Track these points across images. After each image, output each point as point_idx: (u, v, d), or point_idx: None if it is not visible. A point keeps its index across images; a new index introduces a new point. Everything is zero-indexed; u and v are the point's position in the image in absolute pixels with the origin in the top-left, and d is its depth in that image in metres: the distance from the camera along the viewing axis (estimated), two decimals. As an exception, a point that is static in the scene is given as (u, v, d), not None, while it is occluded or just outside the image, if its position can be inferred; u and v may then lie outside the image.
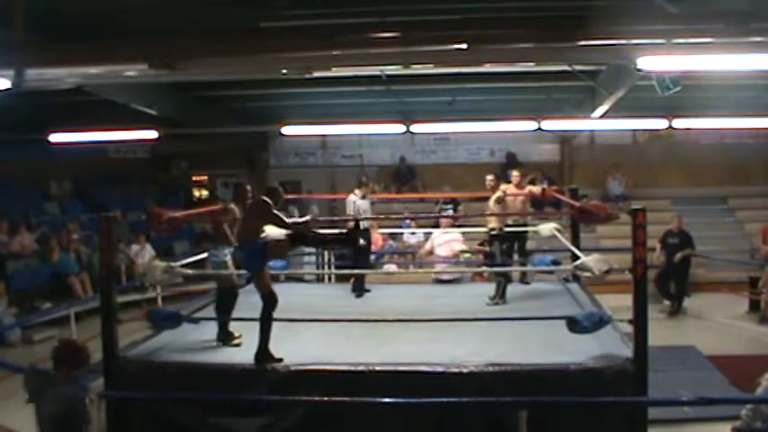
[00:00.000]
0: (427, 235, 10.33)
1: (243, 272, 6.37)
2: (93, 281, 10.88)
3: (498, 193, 7.61)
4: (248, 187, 6.32)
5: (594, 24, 5.94)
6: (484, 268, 8.71)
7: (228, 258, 6.19)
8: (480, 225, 8.77)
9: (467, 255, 10.98)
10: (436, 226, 10.51)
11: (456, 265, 9.74)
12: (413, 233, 11.99)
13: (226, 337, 5.98)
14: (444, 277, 9.26)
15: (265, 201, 5.58)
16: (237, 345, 5.92)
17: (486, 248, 7.95)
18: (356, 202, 8.20)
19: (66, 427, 3.87)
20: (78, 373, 3.99)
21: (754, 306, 10.23)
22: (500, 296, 7.47)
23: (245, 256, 5.52)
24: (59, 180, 14.36)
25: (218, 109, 13.29)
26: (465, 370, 5.09)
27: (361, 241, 8.22)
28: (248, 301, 6.33)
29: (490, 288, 7.72)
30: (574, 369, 5.07)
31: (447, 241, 9.53)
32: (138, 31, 7.22)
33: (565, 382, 5.04)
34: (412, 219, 12.11)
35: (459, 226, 12.10)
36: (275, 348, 5.35)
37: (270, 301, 5.39)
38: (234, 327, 6.10)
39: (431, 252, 9.70)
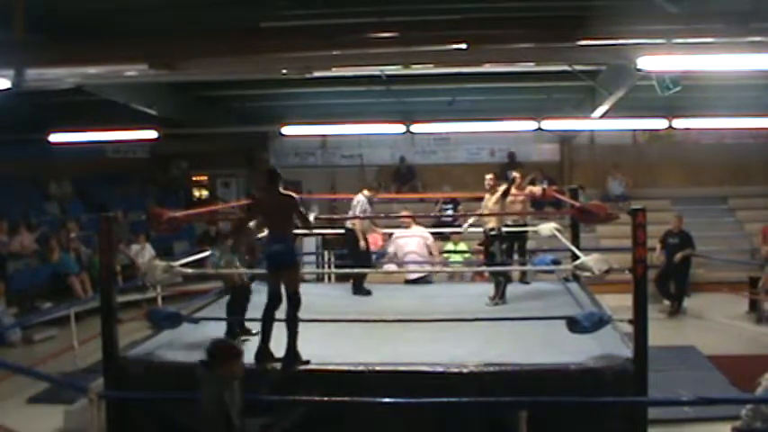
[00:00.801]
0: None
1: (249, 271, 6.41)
2: (93, 281, 10.87)
3: (498, 194, 7.60)
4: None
5: (594, 24, 5.94)
6: (484, 268, 8.69)
7: (236, 258, 6.18)
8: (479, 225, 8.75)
9: (460, 256, 10.98)
10: (436, 226, 10.48)
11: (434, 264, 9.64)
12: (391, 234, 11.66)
13: (234, 337, 5.96)
14: (411, 277, 9.14)
15: (293, 197, 5.52)
16: (245, 341, 5.91)
17: (487, 248, 7.90)
18: (365, 202, 8.21)
19: (207, 422, 3.83)
20: (227, 373, 3.90)
21: (755, 306, 10.23)
22: (500, 296, 7.47)
23: (280, 251, 5.40)
24: (59, 180, 14.37)
25: (218, 109, 13.30)
26: (465, 370, 5.09)
27: (362, 244, 8.26)
28: (260, 300, 6.35)
29: (490, 288, 7.72)
30: (574, 369, 5.07)
31: (409, 237, 9.32)
32: (138, 31, 7.22)
33: (565, 382, 5.04)
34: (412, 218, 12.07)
35: (458, 226, 12.14)
36: (275, 348, 5.35)
37: (297, 300, 5.32)
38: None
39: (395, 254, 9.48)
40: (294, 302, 5.31)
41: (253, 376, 5.20)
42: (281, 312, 5.41)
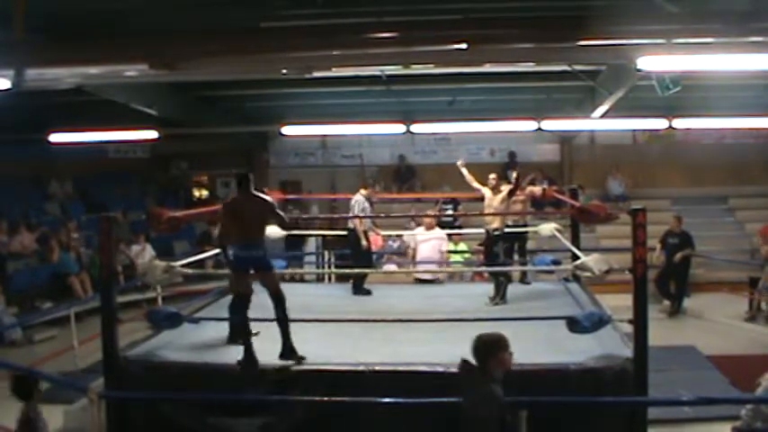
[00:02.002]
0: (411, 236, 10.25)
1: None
2: (93, 281, 10.87)
3: (504, 194, 7.61)
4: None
5: (594, 24, 5.93)
6: (484, 268, 8.71)
7: None
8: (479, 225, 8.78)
9: (460, 256, 11.00)
10: (439, 225, 10.49)
11: (442, 266, 9.74)
12: (399, 235, 11.76)
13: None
14: (425, 277, 9.28)
15: (268, 200, 5.58)
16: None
17: (487, 248, 7.91)
18: (364, 202, 8.22)
19: (479, 424, 3.69)
20: (499, 366, 3.78)
21: (753, 306, 10.22)
22: (501, 296, 7.46)
23: (259, 254, 5.46)
24: (60, 180, 14.37)
25: (218, 109, 13.29)
26: (465, 370, 5.08)
27: (364, 243, 8.26)
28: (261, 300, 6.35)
29: (490, 288, 7.71)
30: (574, 369, 5.07)
31: (429, 239, 9.48)
32: (138, 31, 7.21)
33: (565, 382, 5.04)
34: (414, 217, 12.08)
35: (458, 226, 12.16)
36: (275, 348, 5.35)
37: (282, 298, 5.39)
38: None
39: (414, 250, 9.70)
40: (280, 301, 5.38)
41: (253, 376, 5.22)
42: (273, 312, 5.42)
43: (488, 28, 6.28)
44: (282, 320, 5.34)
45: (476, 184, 7.98)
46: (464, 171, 8.07)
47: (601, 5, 6.41)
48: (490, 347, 3.80)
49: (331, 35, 6.34)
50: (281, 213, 5.71)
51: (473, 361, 3.81)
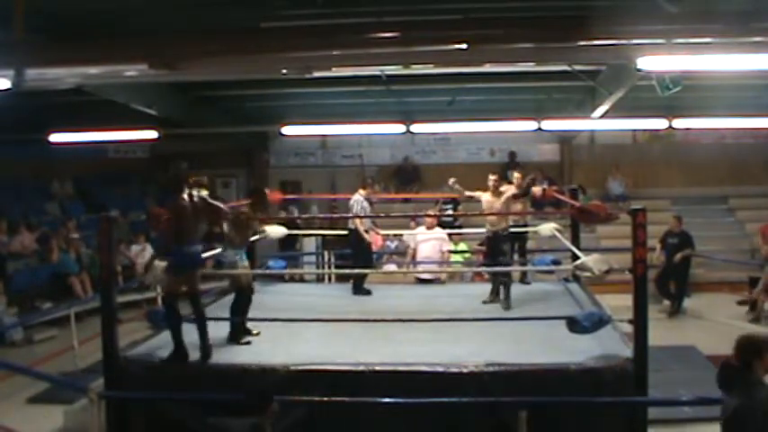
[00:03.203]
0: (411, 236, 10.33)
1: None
2: (93, 281, 10.87)
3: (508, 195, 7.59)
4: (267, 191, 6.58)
5: (594, 24, 5.93)
6: (484, 268, 8.71)
7: (238, 258, 6.19)
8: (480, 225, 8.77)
9: (460, 256, 11.02)
10: (440, 225, 10.52)
11: (443, 266, 9.80)
12: (396, 235, 11.80)
13: (238, 336, 6.00)
14: (425, 277, 9.34)
15: (205, 199, 5.74)
16: (248, 343, 5.94)
17: (493, 248, 7.90)
18: (363, 202, 8.23)
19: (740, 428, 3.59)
20: (759, 371, 3.67)
21: (754, 306, 10.22)
22: (505, 297, 7.39)
23: (200, 252, 5.67)
24: (61, 180, 14.37)
25: (218, 109, 13.29)
26: (465, 370, 5.09)
27: (367, 238, 8.27)
28: (260, 300, 6.37)
29: (489, 288, 7.70)
30: (574, 369, 5.07)
31: (428, 240, 9.55)
32: (138, 31, 7.21)
33: (565, 382, 5.04)
34: (413, 218, 12.09)
35: (458, 226, 12.17)
36: (275, 348, 5.35)
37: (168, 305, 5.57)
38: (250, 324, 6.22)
39: (414, 250, 9.77)
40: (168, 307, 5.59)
41: (253, 376, 5.22)
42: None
43: (488, 28, 6.27)
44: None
45: (469, 193, 7.92)
46: (457, 187, 8.02)
47: (601, 5, 6.41)
48: (758, 348, 3.72)
49: (331, 35, 6.34)
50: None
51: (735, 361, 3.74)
